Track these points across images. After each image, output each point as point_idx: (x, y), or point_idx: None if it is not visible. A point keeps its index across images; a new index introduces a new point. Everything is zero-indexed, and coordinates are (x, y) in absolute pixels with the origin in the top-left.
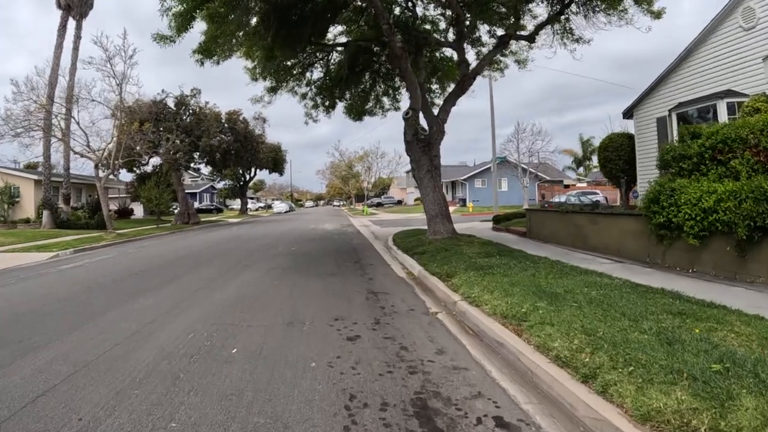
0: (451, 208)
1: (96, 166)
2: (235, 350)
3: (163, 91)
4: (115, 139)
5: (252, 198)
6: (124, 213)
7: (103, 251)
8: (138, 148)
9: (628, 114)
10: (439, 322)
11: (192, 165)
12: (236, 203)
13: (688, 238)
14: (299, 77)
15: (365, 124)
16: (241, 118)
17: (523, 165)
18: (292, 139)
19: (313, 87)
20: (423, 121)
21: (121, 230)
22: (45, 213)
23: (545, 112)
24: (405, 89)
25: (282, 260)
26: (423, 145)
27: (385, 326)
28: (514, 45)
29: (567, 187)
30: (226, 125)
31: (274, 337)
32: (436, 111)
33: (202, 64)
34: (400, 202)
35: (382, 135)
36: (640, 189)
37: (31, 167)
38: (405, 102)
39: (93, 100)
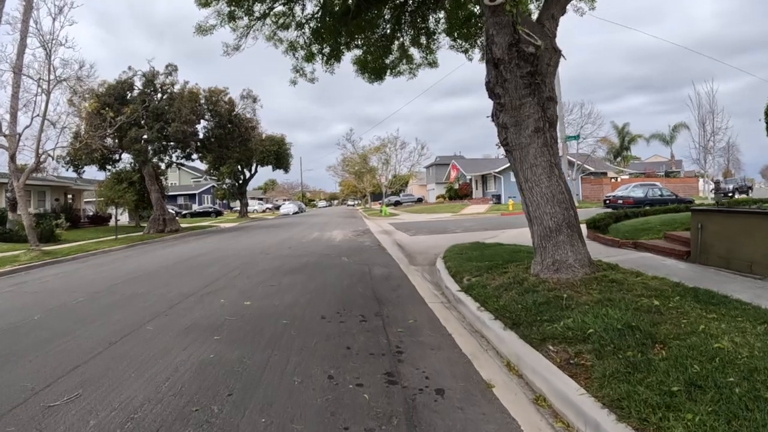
0: (484, 206)
1: (12, 158)
2: None
3: (129, 68)
4: (37, 118)
5: (260, 199)
6: (99, 219)
7: None
8: (81, 134)
9: None
10: None
11: (166, 158)
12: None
13: None
14: (285, 18)
15: (381, 115)
16: (226, 98)
17: (569, 156)
18: (307, 139)
19: (306, 29)
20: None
21: (66, 243)
22: None
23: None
24: (445, 34)
25: (177, 382)
26: (528, 71)
27: None
28: None
29: (612, 180)
30: (204, 106)
31: None
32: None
33: None
34: (420, 200)
35: (404, 130)
36: None
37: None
38: (445, 54)
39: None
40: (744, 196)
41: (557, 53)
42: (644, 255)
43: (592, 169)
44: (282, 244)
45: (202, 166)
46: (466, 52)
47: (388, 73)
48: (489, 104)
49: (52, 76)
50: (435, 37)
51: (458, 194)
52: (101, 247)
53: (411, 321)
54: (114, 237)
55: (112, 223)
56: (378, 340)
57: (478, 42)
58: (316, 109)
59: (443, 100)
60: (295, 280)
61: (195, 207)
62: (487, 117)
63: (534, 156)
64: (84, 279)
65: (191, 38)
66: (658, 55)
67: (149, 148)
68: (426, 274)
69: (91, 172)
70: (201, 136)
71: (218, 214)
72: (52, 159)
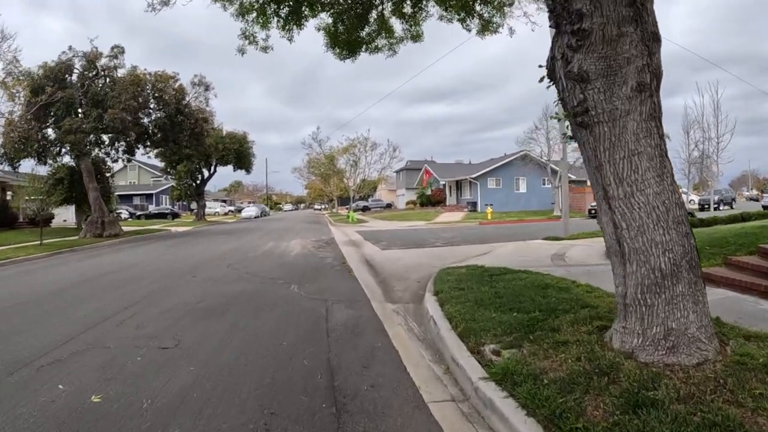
0: (459, 214)
1: None
2: None
3: (70, 48)
4: None
5: (224, 201)
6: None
7: None
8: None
9: None
10: None
11: (112, 151)
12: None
13: None
14: None
15: (357, 118)
16: (176, 85)
17: (552, 164)
18: (278, 141)
19: None
20: None
21: None
22: None
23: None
24: (435, 2)
25: None
26: None
27: None
28: None
29: None
30: (149, 93)
31: None
32: None
33: None
34: (389, 206)
35: (375, 134)
36: None
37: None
38: (432, 24)
39: None
40: (728, 208)
41: None
42: (722, 294)
43: (573, 177)
44: (223, 258)
45: (161, 164)
46: (463, 21)
47: (363, 49)
48: (459, 111)
49: None
50: (423, 5)
51: (431, 200)
52: (18, 254)
53: None
54: (39, 242)
55: (56, 223)
56: None
57: (476, 9)
58: (289, 112)
59: (415, 105)
60: (207, 333)
61: (152, 208)
62: (540, 66)
63: (635, 135)
64: None
65: (171, 34)
66: None
67: (86, 139)
68: (411, 320)
69: (29, 166)
70: (145, 126)
71: (175, 216)
72: None
